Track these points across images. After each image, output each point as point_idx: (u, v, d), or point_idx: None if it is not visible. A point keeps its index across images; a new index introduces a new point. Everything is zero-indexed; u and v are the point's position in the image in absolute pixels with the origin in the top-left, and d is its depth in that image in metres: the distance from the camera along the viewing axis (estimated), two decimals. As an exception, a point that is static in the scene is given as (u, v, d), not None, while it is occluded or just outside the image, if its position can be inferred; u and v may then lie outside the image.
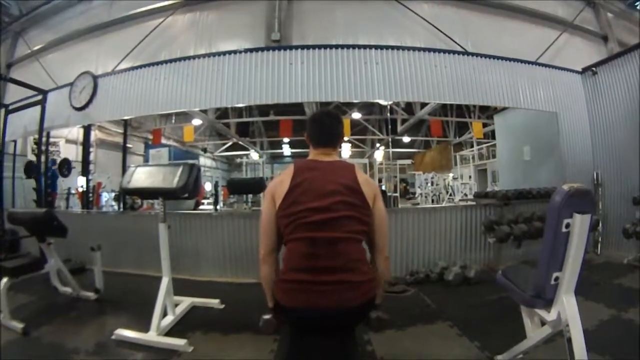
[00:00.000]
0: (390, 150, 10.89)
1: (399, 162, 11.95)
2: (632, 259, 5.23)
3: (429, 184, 11.33)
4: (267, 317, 1.96)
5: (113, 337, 3.36)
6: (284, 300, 1.86)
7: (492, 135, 8.13)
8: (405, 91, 5.65)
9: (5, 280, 3.52)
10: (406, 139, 12.14)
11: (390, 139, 10.17)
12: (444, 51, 5.89)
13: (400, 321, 3.67)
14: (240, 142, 11.50)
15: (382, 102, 6.17)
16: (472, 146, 10.82)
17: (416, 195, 11.09)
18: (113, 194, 6.88)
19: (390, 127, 9.93)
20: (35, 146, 6.49)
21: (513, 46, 6.38)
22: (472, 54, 5.99)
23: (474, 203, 5.89)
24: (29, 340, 3.36)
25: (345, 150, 11.24)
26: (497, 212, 5.56)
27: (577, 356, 2.07)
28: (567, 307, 2.18)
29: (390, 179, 10.79)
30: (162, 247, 3.69)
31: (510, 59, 6.08)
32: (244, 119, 10.23)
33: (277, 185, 1.94)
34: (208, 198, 8.84)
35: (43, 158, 6.41)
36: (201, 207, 7.46)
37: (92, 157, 6.83)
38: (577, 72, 6.51)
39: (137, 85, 6.11)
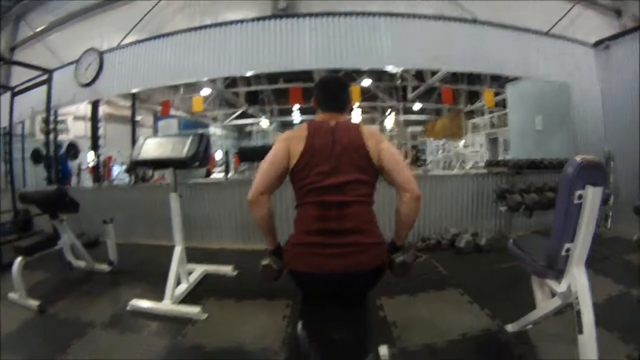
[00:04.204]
0: (402, 116, 10.80)
1: (410, 129, 11.86)
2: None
3: (440, 151, 11.27)
4: (265, 262, 1.95)
5: (128, 307, 3.42)
6: (295, 265, 1.86)
7: (503, 103, 8.01)
8: (414, 59, 5.62)
9: (19, 259, 3.53)
10: (417, 106, 11.99)
11: (401, 106, 10.07)
12: (455, 19, 5.78)
13: (412, 287, 3.71)
14: (250, 111, 11.46)
15: (392, 69, 6.05)
16: (483, 114, 10.69)
17: (427, 162, 11.07)
18: (124, 167, 6.92)
19: (401, 94, 9.81)
20: (43, 125, 6.50)
21: (524, 16, 6.14)
22: (484, 23, 5.85)
23: (485, 171, 5.87)
24: (45, 317, 3.38)
25: (356, 116, 11.14)
26: (509, 181, 5.54)
27: (585, 330, 2.08)
28: (577, 280, 2.19)
29: (401, 146, 10.75)
30: (174, 216, 3.73)
31: (521, 29, 5.95)
32: (253, 87, 10.14)
33: (294, 139, 1.92)
34: (219, 167, 8.85)
35: (52, 137, 6.43)
36: (212, 175, 7.52)
37: (101, 131, 6.85)
38: (589, 45, 6.32)
39: (143, 58, 6.10)
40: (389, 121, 11.42)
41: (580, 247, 2.18)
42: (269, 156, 1.93)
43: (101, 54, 6.36)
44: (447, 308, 3.40)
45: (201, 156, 3.44)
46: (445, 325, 3.06)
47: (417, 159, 11.17)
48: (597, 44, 6.24)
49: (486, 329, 2.99)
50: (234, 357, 2.72)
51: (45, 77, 6.30)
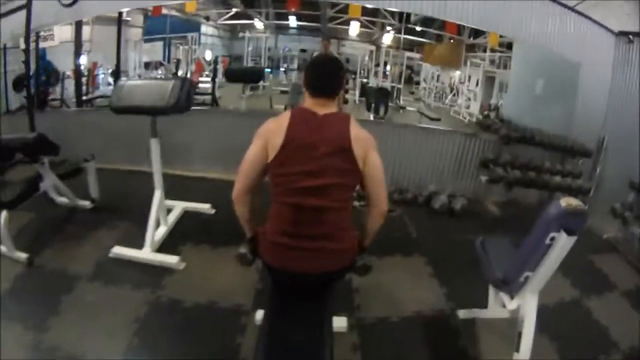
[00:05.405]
0: (402, 36, 10.41)
1: (407, 54, 11.53)
2: (613, 238, 4.98)
3: (435, 79, 11.08)
4: (242, 251, 2.11)
5: (110, 255, 3.47)
6: (268, 259, 1.98)
7: (507, 45, 7.77)
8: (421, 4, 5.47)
9: (4, 214, 3.33)
10: (418, 29, 11.55)
11: (402, 27, 9.68)
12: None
13: (381, 248, 3.78)
14: (246, 12, 10.89)
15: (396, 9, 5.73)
16: (485, 51, 10.37)
17: (419, 88, 10.94)
18: (109, 70, 6.63)
19: (404, 15, 9.39)
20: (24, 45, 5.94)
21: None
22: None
23: (472, 132, 5.90)
24: (34, 270, 3.29)
25: (354, 29, 10.72)
26: (496, 149, 5.49)
27: (522, 351, 2.28)
28: (527, 305, 2.34)
29: (396, 65, 10.50)
30: (154, 161, 3.69)
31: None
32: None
33: (272, 132, 1.85)
34: (207, 72, 8.60)
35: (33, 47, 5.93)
36: (200, 80, 7.33)
37: (87, 35, 6.42)
38: (612, 32, 5.80)
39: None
40: (387, 39, 11.03)
41: (538, 279, 2.30)
42: (248, 155, 1.91)
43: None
44: (408, 278, 3.56)
45: (183, 103, 3.34)
46: (403, 298, 3.24)
47: (410, 79, 11.05)
48: (621, 34, 5.77)
49: (440, 309, 3.17)
50: (208, 316, 2.89)
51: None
